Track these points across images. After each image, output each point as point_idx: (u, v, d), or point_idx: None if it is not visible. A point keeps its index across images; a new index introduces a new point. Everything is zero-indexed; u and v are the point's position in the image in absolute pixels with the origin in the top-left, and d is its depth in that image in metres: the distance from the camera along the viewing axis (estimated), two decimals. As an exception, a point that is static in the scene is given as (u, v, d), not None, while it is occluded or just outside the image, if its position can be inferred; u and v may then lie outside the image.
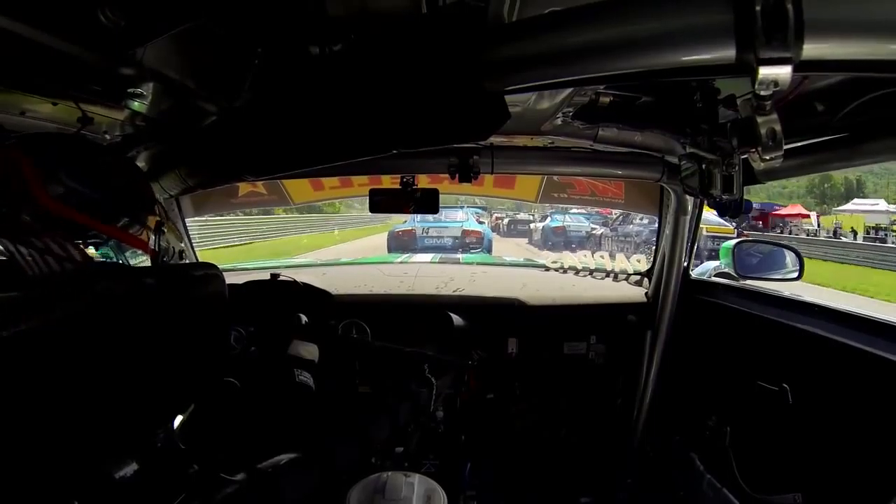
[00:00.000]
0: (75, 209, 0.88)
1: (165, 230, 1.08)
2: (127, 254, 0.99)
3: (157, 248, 1.05)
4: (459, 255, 6.00)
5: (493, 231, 19.13)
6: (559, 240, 13.77)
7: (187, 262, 2.09)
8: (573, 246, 12.62)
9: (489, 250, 10.86)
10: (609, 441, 2.33)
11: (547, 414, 2.32)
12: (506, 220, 20.07)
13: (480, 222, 12.68)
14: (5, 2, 0.73)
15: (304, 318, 1.89)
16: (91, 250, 0.93)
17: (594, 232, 14.22)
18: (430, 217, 10.38)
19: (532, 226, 16.62)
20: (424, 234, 10.96)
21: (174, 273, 1.03)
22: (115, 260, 0.97)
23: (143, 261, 1.05)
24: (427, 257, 4.34)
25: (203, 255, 2.50)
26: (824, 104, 1.15)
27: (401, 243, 10.77)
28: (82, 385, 0.73)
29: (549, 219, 15.27)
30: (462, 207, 12.18)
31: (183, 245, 1.17)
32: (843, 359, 1.34)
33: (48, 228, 0.83)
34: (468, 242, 10.86)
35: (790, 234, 22.99)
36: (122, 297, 0.80)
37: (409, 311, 2.16)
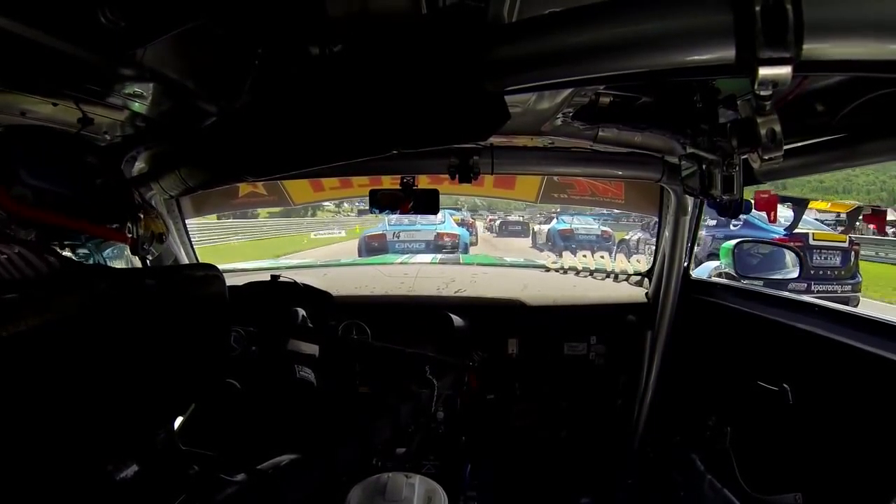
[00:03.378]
0: (43, 209, 0.86)
1: (142, 216, 1.07)
2: (105, 253, 0.98)
3: (135, 236, 1.04)
4: (460, 256, 5.97)
5: (488, 231, 19.29)
6: (569, 244, 12.36)
7: (182, 253, 2.10)
8: (587, 250, 11.61)
9: (465, 252, 10.33)
10: (609, 441, 2.33)
11: (547, 414, 2.32)
12: (498, 222, 20.44)
13: (461, 224, 12.27)
14: (5, 2, 0.73)
15: (301, 312, 1.89)
16: (68, 253, 0.92)
17: (630, 238, 12.07)
18: (404, 220, 10.46)
19: (537, 228, 15.78)
20: (395, 239, 10.49)
21: (175, 274, 1.04)
22: (94, 260, 0.96)
23: (125, 256, 1.04)
24: (427, 258, 4.33)
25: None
26: (824, 104, 1.15)
27: (372, 249, 10.29)
28: (83, 386, 0.73)
29: (554, 220, 14.32)
30: (450, 211, 11.69)
31: (163, 230, 1.15)
32: (843, 359, 1.34)
33: (25, 230, 0.82)
34: (441, 245, 10.40)
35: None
36: (123, 298, 0.79)
37: (410, 312, 2.16)
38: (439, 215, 10.34)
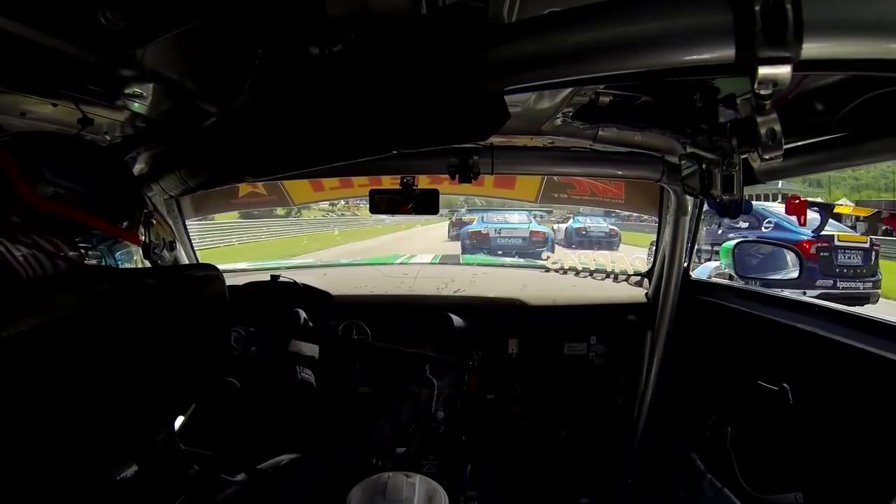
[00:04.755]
0: (62, 205, 0.87)
1: (154, 222, 1.08)
2: (117, 255, 0.99)
3: (147, 241, 1.04)
4: (459, 256, 6.01)
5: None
6: (582, 239, 14.77)
7: (182, 254, 2.10)
8: (596, 245, 13.26)
9: (552, 250, 11.28)
10: (609, 441, 2.33)
11: (547, 414, 2.32)
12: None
13: (540, 223, 13.84)
14: (5, 2, 0.73)
15: (302, 314, 1.89)
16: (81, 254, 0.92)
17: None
18: (494, 218, 12.19)
19: (556, 226, 18.19)
20: (497, 235, 12.26)
21: (175, 274, 1.03)
22: (105, 263, 0.96)
23: (134, 261, 1.05)
24: (427, 258, 4.33)
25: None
26: (824, 104, 1.15)
27: (475, 244, 12.14)
28: (83, 386, 0.73)
29: (571, 220, 16.59)
30: (520, 211, 13.02)
31: (173, 237, 1.17)
32: (843, 359, 1.34)
33: (43, 228, 0.82)
34: (535, 241, 12.09)
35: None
36: (123, 298, 0.79)
37: (410, 312, 2.16)
38: (524, 215, 12.79)
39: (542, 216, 14.58)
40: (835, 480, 1.33)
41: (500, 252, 11.15)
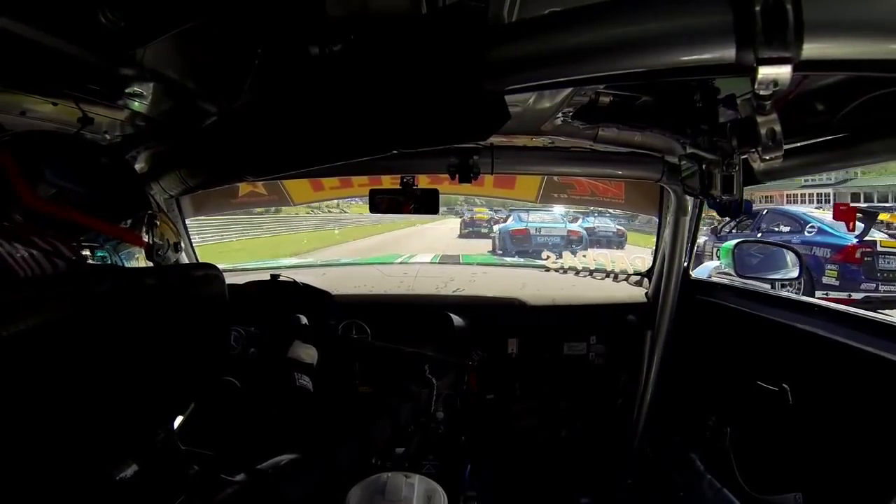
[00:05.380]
0: (63, 206, 0.87)
1: (158, 223, 1.07)
2: (122, 255, 0.98)
3: (150, 242, 1.04)
4: (459, 255, 6.02)
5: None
6: (592, 238, 15.21)
7: (183, 254, 2.10)
8: (605, 244, 13.55)
9: (587, 249, 11.53)
10: (609, 441, 2.33)
11: (547, 414, 2.32)
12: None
13: (572, 222, 14.30)
14: (5, 2, 0.73)
15: (303, 319, 1.89)
16: (87, 254, 0.92)
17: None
18: (530, 217, 12.62)
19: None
20: (537, 234, 12.71)
21: (175, 273, 1.03)
22: (111, 262, 0.96)
23: (136, 259, 1.04)
24: (427, 257, 4.33)
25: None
26: (824, 104, 1.15)
27: (516, 242, 12.49)
28: (82, 385, 0.73)
29: (580, 220, 16.86)
30: (550, 211, 13.42)
31: (178, 238, 1.16)
32: (843, 359, 1.34)
33: (43, 228, 0.82)
34: (572, 240, 12.73)
35: None
36: (123, 298, 0.79)
37: (409, 312, 2.16)
38: (557, 215, 13.26)
39: (576, 215, 14.86)
40: (834, 481, 1.33)
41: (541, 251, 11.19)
